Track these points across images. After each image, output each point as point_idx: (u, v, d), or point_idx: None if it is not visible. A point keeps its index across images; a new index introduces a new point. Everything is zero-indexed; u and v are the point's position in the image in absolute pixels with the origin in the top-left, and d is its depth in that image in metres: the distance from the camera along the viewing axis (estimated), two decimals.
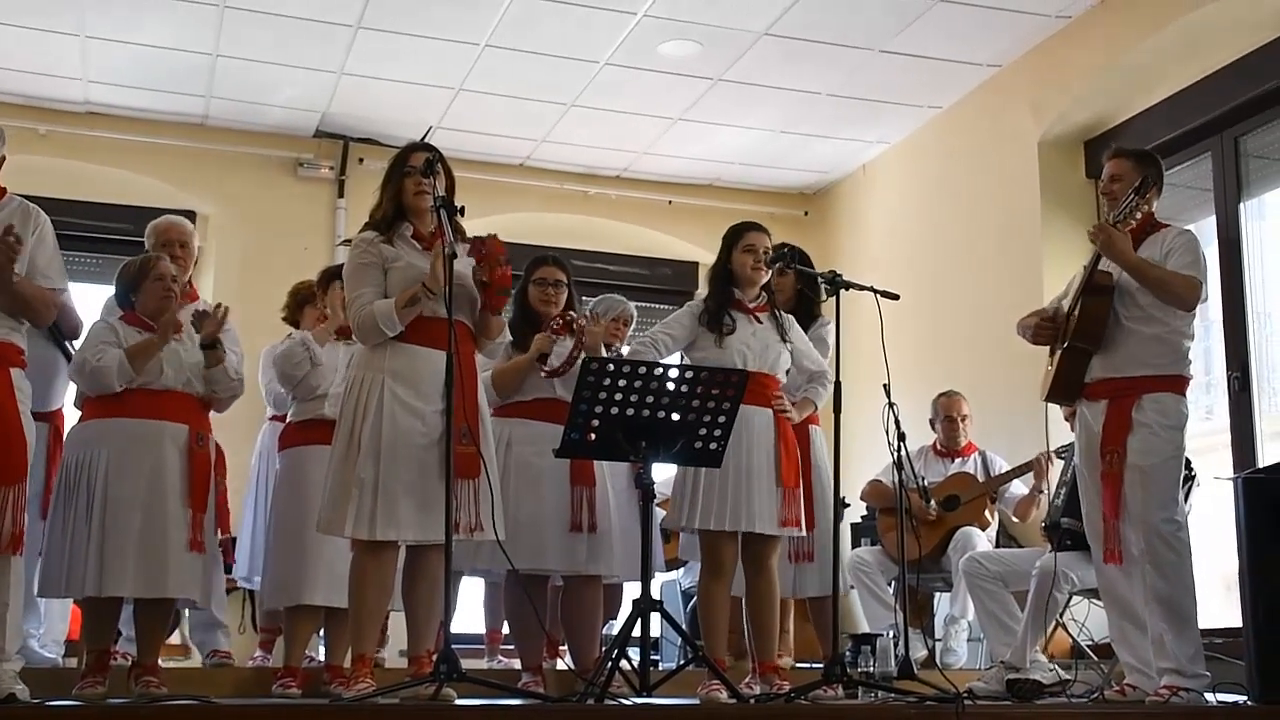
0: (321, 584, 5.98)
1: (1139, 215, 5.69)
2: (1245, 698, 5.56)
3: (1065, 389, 5.85)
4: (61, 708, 4.97)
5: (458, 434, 5.11)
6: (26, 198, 5.32)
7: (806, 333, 6.39)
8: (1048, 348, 6.01)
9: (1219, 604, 7.06)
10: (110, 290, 6.08)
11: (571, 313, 6.32)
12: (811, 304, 6.81)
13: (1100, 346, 5.73)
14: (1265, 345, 7.61)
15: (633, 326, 7.33)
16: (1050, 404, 6.16)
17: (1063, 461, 7.24)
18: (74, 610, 6.74)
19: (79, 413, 6.04)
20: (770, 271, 6.12)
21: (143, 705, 5.24)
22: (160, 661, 5.92)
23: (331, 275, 6.50)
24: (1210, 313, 7.67)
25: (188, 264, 6.79)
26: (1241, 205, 7.73)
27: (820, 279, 6.41)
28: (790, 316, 6.29)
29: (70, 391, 6.41)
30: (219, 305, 6.13)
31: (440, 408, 5.19)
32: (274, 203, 10.17)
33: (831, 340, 6.25)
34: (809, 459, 6.32)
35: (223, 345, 5.98)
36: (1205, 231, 7.50)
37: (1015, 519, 7.84)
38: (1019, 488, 7.82)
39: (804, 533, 6.07)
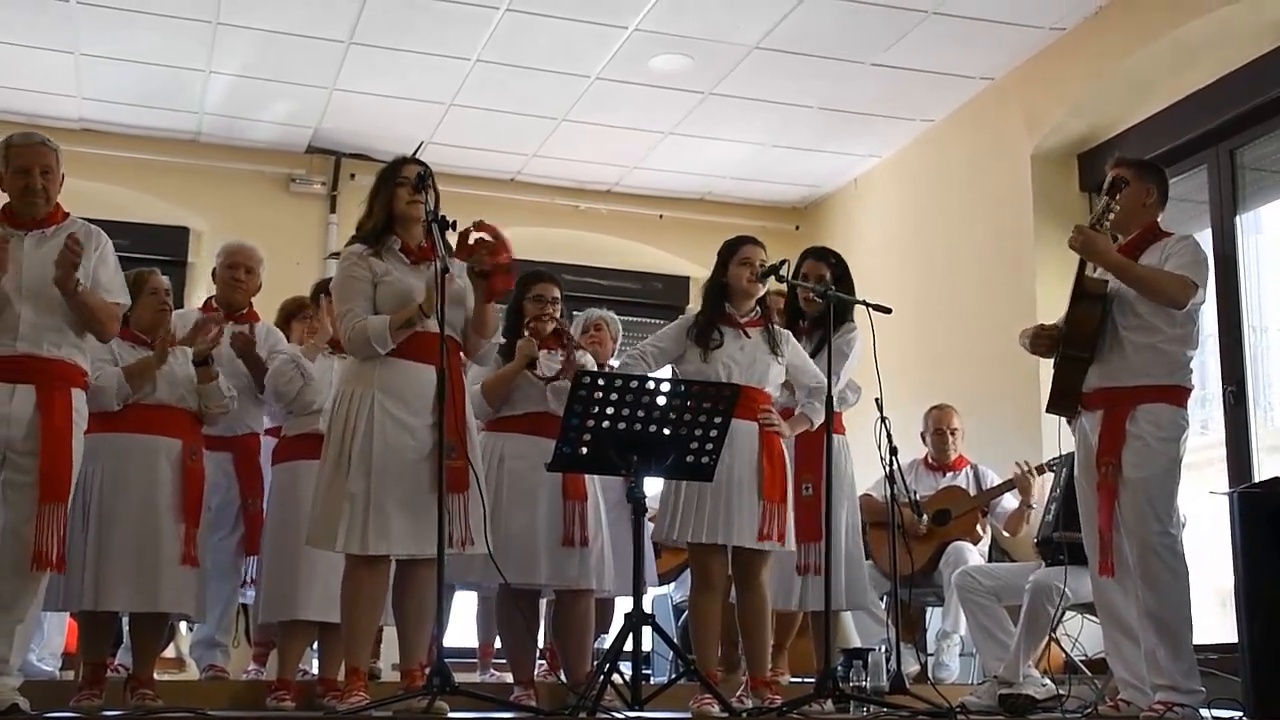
0: (315, 599, 5.95)
1: (1111, 216, 5.63)
2: (1241, 714, 5.53)
3: (1063, 399, 5.78)
4: (60, 719, 5.09)
5: (456, 449, 5.11)
6: None
7: (833, 339, 6.19)
8: (1052, 360, 5.96)
9: (1214, 619, 7.04)
10: None
11: (561, 319, 6.31)
12: (843, 311, 6.53)
13: (1094, 354, 5.67)
14: (1261, 358, 7.58)
15: (619, 338, 7.31)
16: (1048, 416, 6.09)
17: (1053, 475, 7.21)
18: (70, 623, 6.73)
19: None
20: (765, 285, 6.10)
21: (138, 717, 5.28)
22: (156, 674, 5.96)
23: (324, 289, 6.49)
24: (1206, 326, 7.63)
25: (250, 288, 6.92)
26: (1238, 218, 7.71)
27: (812, 292, 6.39)
28: (787, 332, 6.26)
29: None
30: (212, 325, 6.16)
31: (430, 422, 5.20)
32: (266, 218, 10.12)
33: (853, 351, 6.28)
34: (833, 467, 6.08)
35: (214, 362, 6.02)
36: (1201, 244, 7.48)
37: (1005, 533, 7.83)
38: (1010, 502, 7.79)
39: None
